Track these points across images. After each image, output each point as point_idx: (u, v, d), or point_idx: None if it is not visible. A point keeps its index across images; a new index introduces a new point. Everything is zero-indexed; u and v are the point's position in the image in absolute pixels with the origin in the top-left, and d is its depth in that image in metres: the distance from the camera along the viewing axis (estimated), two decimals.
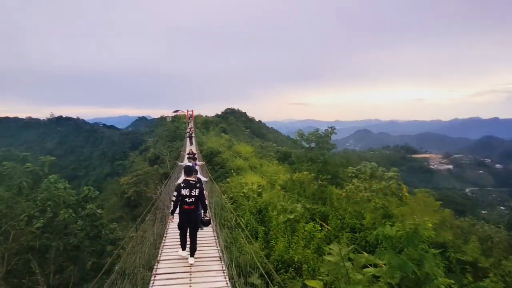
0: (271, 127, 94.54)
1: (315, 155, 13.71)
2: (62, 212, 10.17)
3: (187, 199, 5.59)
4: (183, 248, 6.00)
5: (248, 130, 62.07)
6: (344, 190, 9.37)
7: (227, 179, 17.12)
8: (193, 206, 5.61)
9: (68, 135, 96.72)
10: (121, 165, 54.39)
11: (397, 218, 7.85)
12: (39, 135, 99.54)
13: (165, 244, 6.56)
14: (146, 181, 24.48)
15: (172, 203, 5.78)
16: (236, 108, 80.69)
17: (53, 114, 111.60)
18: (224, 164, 22.01)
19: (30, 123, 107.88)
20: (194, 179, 5.89)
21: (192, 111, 50.58)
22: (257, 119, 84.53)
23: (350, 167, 13.15)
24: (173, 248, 6.30)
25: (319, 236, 7.23)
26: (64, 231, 10.51)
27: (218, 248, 6.14)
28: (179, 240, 6.08)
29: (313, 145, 15.06)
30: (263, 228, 8.07)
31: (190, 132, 32.63)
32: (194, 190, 5.64)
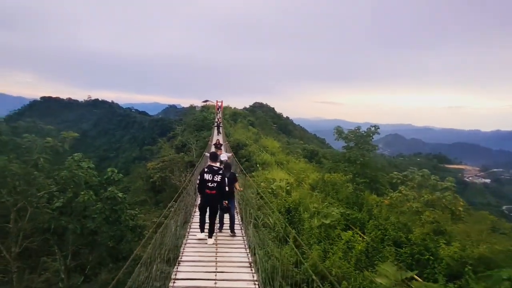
0: (298, 124, 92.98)
1: (354, 156, 12.63)
2: (82, 193, 9.46)
3: (209, 183, 5.74)
4: (202, 230, 6.16)
5: (275, 125, 61.27)
6: (388, 198, 8.23)
7: (252, 173, 16.57)
8: (214, 191, 5.73)
9: (103, 118, 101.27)
10: (149, 150, 55.93)
11: (453, 237, 6.72)
12: (77, 115, 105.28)
13: (187, 242, 6.07)
14: (172, 168, 24.65)
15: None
16: (264, 102, 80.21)
17: (90, 97, 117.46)
18: (250, 158, 21.51)
19: (70, 104, 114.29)
20: (217, 166, 6.06)
21: (222, 102, 50.56)
22: (284, 115, 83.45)
23: (395, 172, 11.85)
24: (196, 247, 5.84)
25: (359, 247, 6.24)
26: (83, 213, 9.85)
27: (247, 250, 5.53)
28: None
29: (351, 144, 13.93)
30: (293, 231, 7.05)
31: (218, 121, 32.47)
32: (216, 176, 5.76)
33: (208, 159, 6.51)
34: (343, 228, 7.50)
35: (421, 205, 7.27)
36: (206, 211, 6.04)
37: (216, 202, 5.88)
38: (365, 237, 6.97)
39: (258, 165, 18.05)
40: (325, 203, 7.92)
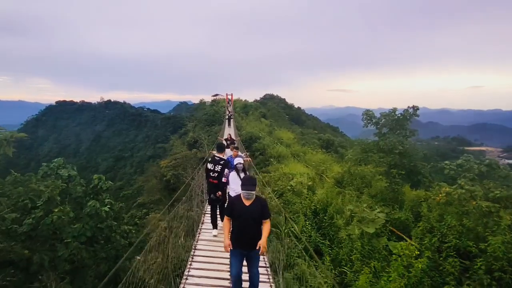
0: (310, 114, 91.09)
1: (391, 144, 11.14)
2: (56, 210, 7.19)
3: (211, 173, 6.17)
4: (215, 227, 6.48)
5: (287, 116, 59.93)
6: (442, 193, 6.66)
7: (268, 167, 15.61)
8: (216, 181, 6.12)
9: (115, 118, 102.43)
10: (162, 148, 55.97)
11: None
12: (90, 117, 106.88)
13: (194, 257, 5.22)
14: (184, 165, 24.10)
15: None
16: (275, 94, 78.83)
17: (102, 98, 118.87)
18: (264, 151, 20.56)
19: (83, 106, 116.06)
20: (220, 156, 6.31)
21: (232, 95, 49.60)
22: (296, 106, 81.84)
23: (446, 162, 10.30)
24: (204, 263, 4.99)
25: (420, 266, 4.45)
26: (54, 237, 7.50)
27: (268, 270, 4.55)
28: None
29: (385, 130, 12.41)
30: (325, 241, 5.73)
31: (230, 114, 31.61)
32: (217, 165, 6.12)
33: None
34: (387, 234, 5.97)
35: (493, 205, 5.61)
36: (216, 205, 6.35)
37: (217, 190, 6.17)
38: (413, 244, 5.29)
39: (272, 159, 17.00)
40: (363, 204, 6.48)
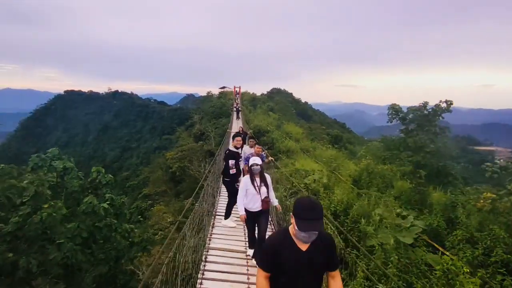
0: (317, 109, 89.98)
1: (421, 142, 10.27)
2: (45, 206, 6.10)
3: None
4: (228, 216, 6.26)
5: (294, 111, 59.16)
6: (488, 200, 5.70)
7: (276, 162, 15.08)
8: (234, 170, 6.04)
9: (123, 109, 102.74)
10: (168, 140, 55.88)
11: None
12: (98, 107, 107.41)
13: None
14: (190, 157, 23.79)
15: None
16: (282, 88, 77.94)
17: (110, 89, 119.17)
18: (273, 145, 20.03)
19: (91, 97, 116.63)
20: (235, 150, 6.23)
21: (240, 87, 48.99)
22: (303, 100, 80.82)
23: (488, 163, 9.27)
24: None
25: (471, 287, 3.55)
26: (45, 238, 6.39)
27: None
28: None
29: (412, 126, 11.52)
30: (352, 251, 4.67)
31: (237, 106, 31.14)
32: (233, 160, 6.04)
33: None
34: (422, 244, 5.01)
35: None
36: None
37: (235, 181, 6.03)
38: (450, 256, 4.39)
39: (281, 154, 16.40)
40: (394, 207, 5.66)
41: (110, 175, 8.88)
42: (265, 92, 68.22)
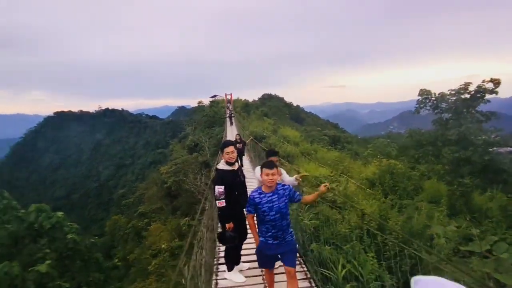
0: (310, 112, 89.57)
1: (462, 135, 8.58)
2: None
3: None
4: (236, 263, 4.12)
5: (288, 115, 58.45)
6: None
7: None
8: (223, 203, 3.77)
9: (115, 126, 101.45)
10: (162, 153, 54.65)
11: None
12: (89, 126, 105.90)
13: None
14: (185, 171, 22.63)
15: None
16: (273, 93, 77.47)
17: (100, 107, 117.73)
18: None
19: (82, 116, 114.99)
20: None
21: (231, 94, 48.22)
22: (294, 104, 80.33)
23: None
24: None
25: None
26: None
27: None
28: None
29: (446, 116, 9.85)
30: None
31: (230, 112, 30.28)
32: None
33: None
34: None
35: None
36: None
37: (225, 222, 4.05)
38: None
39: (281, 160, 15.27)
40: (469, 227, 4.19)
41: (60, 213, 6.47)
42: (257, 99, 67.62)
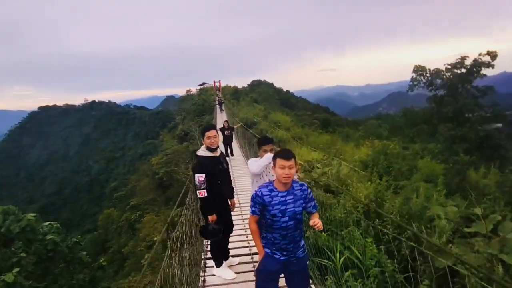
0: (299, 96, 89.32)
1: (458, 111, 8.26)
2: None
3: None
4: (219, 263, 3.77)
5: (278, 100, 58.14)
6: None
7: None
8: (204, 192, 3.41)
9: (102, 119, 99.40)
10: (152, 144, 53.93)
11: None
12: (76, 120, 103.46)
13: None
14: (176, 161, 22.37)
15: None
16: (263, 79, 76.78)
17: (86, 100, 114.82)
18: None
19: (68, 110, 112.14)
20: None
21: (220, 81, 47.44)
22: (284, 89, 79.87)
23: None
24: None
25: None
26: None
27: None
28: None
29: (441, 92, 9.60)
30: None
31: (220, 99, 29.82)
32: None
33: None
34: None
35: None
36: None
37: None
38: None
39: (274, 149, 15.00)
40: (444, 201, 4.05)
41: (31, 215, 5.93)
42: (246, 85, 66.94)
